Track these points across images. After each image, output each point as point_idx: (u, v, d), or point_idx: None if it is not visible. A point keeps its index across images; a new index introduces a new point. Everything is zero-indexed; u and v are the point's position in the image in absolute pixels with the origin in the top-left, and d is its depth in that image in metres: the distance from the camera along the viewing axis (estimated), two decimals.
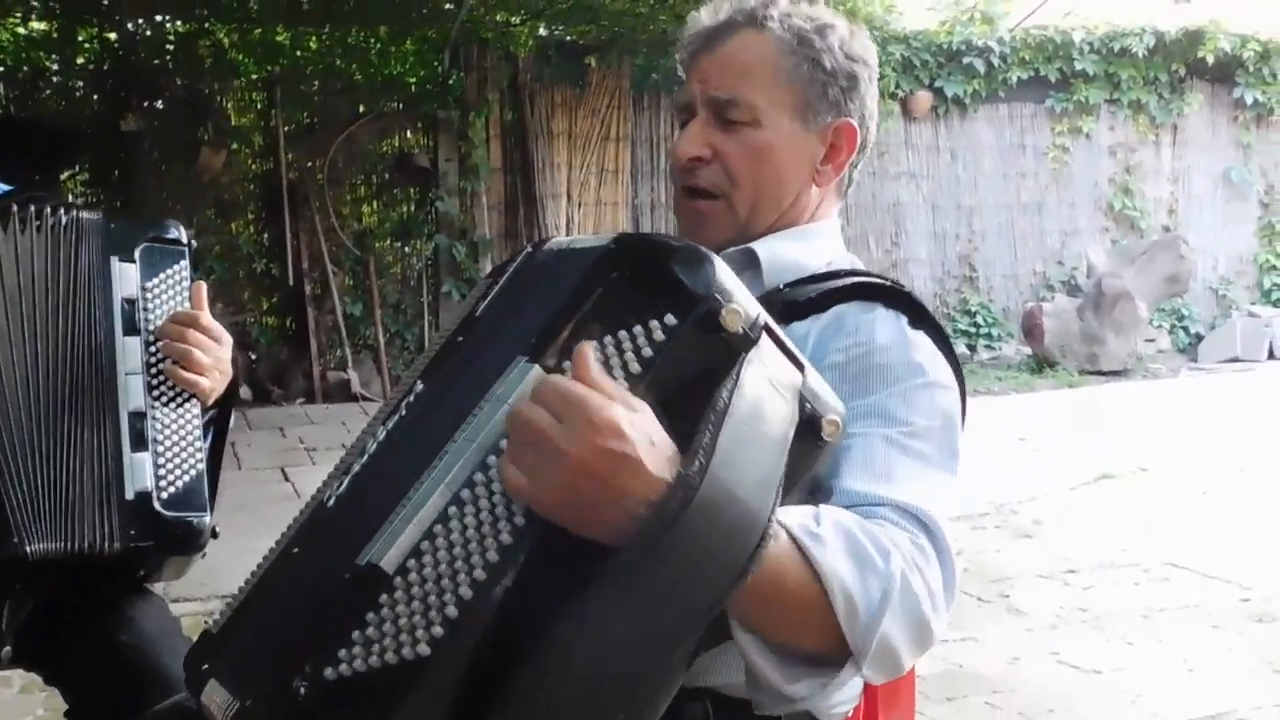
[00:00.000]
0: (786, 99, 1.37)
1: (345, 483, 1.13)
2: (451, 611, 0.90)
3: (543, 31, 10.36)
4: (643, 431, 0.92)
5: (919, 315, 1.32)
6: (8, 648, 1.90)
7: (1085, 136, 12.23)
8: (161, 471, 1.80)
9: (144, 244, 1.89)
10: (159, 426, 1.81)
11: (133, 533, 1.77)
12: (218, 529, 1.85)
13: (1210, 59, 12.04)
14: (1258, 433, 7.91)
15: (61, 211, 1.86)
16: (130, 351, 1.83)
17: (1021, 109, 12.11)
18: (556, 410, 0.90)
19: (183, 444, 1.83)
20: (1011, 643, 4.20)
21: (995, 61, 11.76)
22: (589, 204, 10.51)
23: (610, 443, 0.90)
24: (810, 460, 1.07)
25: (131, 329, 1.84)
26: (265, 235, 9.86)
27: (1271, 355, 11.61)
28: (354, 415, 8.89)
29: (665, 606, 0.90)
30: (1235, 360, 11.55)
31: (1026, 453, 7.53)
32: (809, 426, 1.03)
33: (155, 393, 1.82)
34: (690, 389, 0.95)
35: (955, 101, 11.77)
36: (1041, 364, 10.74)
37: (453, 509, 0.94)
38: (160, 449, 1.81)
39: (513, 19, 10.07)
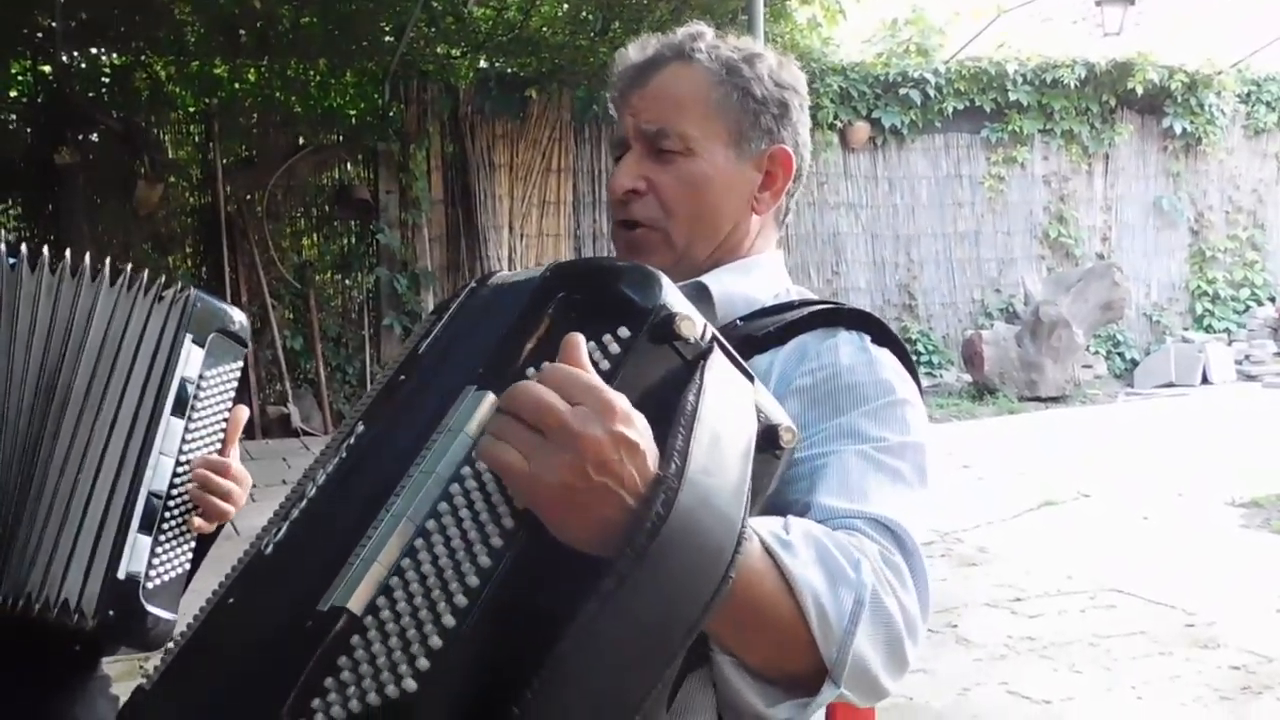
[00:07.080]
0: (719, 128, 1.36)
1: (284, 529, 1.08)
2: (436, 642, 0.86)
3: (483, 64, 10.36)
4: (644, 422, 0.89)
5: (882, 333, 1.32)
6: None
7: (1020, 166, 12.44)
8: (155, 561, 1.72)
9: (215, 332, 1.83)
10: (168, 515, 1.75)
11: (111, 613, 1.67)
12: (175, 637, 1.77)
13: (1139, 90, 12.33)
14: (1194, 458, 8.05)
15: (160, 280, 1.82)
16: (171, 433, 1.76)
17: (957, 139, 12.30)
18: (568, 392, 0.87)
19: (181, 539, 1.77)
20: (961, 674, 4.22)
21: (931, 93, 11.95)
22: (531, 236, 10.51)
23: (622, 428, 0.86)
24: (770, 472, 1.05)
25: (180, 410, 1.77)
26: (203, 269, 9.74)
27: (1205, 380, 11.84)
28: (295, 451, 8.78)
29: (658, 617, 0.86)
30: (1170, 385, 11.77)
31: (970, 480, 7.59)
32: (767, 436, 1.02)
33: (178, 479, 1.76)
34: (650, 401, 0.93)
35: (893, 132, 11.92)
36: (982, 391, 10.86)
37: (419, 542, 0.90)
38: (162, 538, 1.74)
39: (453, 51, 10.06)
